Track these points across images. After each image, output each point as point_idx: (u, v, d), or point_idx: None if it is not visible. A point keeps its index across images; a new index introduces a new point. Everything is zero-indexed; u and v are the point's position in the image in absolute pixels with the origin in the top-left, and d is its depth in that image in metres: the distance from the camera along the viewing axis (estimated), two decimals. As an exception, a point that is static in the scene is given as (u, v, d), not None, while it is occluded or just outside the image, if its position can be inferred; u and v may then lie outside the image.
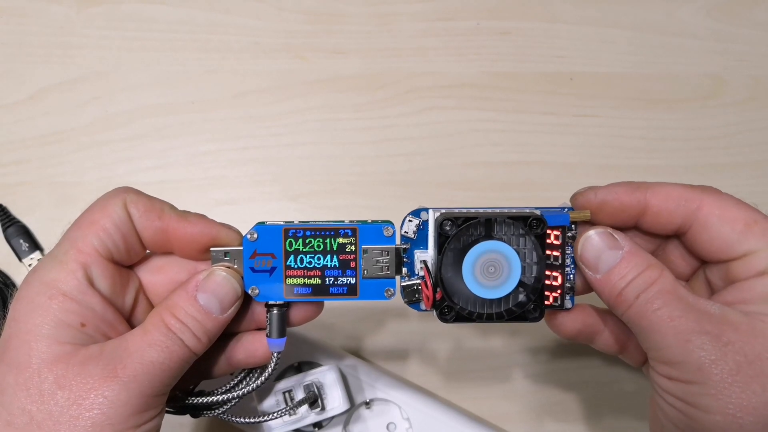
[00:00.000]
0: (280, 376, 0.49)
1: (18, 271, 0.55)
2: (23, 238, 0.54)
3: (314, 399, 0.47)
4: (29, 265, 0.54)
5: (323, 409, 0.47)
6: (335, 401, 0.48)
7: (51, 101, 0.57)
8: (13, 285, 0.55)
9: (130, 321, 0.38)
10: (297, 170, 0.57)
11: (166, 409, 0.37)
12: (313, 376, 0.48)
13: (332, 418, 0.49)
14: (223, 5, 0.59)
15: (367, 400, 0.50)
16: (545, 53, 0.60)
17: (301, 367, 0.50)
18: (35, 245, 0.55)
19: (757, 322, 0.34)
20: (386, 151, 0.58)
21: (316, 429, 0.49)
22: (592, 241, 0.37)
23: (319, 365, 0.49)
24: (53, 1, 0.58)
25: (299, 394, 0.47)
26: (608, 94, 0.59)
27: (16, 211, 0.56)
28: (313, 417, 0.47)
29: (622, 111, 0.59)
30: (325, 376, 0.48)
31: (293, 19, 0.59)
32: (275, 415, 0.43)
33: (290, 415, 0.47)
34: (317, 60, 0.59)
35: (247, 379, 0.41)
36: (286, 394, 0.48)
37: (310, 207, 0.57)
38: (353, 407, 0.50)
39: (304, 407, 0.47)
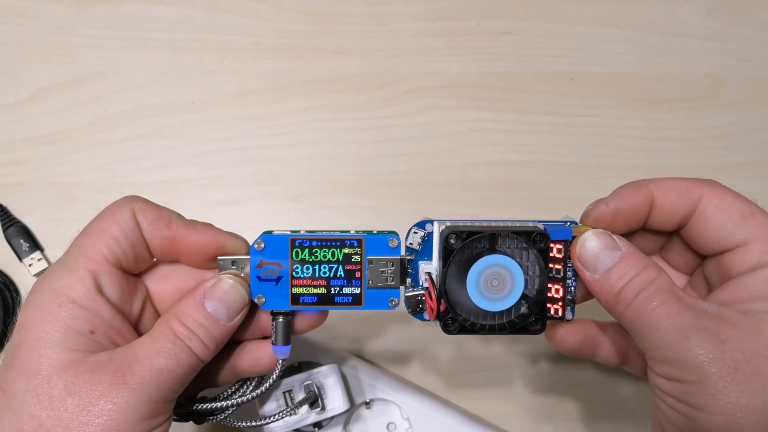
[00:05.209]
0: (280, 376, 0.49)
1: (18, 271, 0.55)
2: (23, 238, 0.54)
3: (314, 399, 0.47)
4: (29, 265, 0.54)
5: (323, 409, 0.47)
6: (335, 401, 0.48)
7: (51, 101, 0.57)
8: (14, 285, 0.54)
9: (137, 329, 0.38)
10: (297, 170, 0.57)
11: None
12: (313, 376, 0.48)
13: (332, 418, 0.49)
14: (223, 5, 0.59)
15: (367, 400, 0.50)
16: (545, 53, 0.60)
17: (301, 367, 0.50)
18: (35, 245, 0.55)
19: (754, 320, 0.34)
20: (386, 151, 0.58)
21: (316, 429, 0.49)
22: (591, 242, 0.37)
23: (320, 365, 0.49)
24: (53, 1, 0.57)
25: (299, 395, 0.47)
26: (608, 94, 0.59)
27: (16, 211, 0.55)
28: (313, 417, 0.47)
29: (622, 111, 0.59)
30: (326, 377, 0.48)
31: (293, 19, 0.59)
32: (276, 417, 0.44)
33: (291, 415, 0.47)
34: (317, 60, 0.58)
35: (249, 384, 0.41)
36: (287, 395, 0.47)
37: (310, 207, 0.57)
38: (353, 407, 0.50)
39: (305, 407, 0.47)
